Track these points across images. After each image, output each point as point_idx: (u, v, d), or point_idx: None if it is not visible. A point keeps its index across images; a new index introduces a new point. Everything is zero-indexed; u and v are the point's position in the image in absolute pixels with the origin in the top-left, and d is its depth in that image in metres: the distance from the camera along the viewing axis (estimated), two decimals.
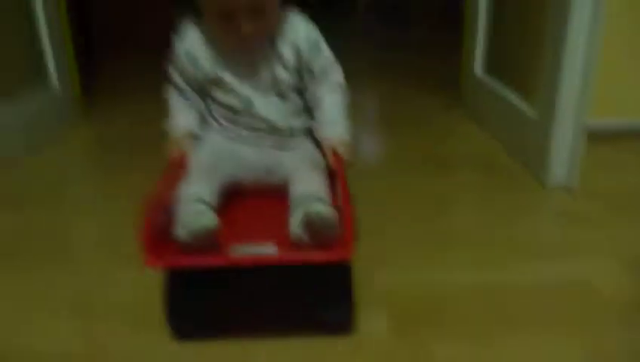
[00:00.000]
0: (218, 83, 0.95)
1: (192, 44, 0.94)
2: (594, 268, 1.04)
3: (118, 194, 1.39)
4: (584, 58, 1.26)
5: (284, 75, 0.94)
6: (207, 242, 0.77)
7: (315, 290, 0.81)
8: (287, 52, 0.93)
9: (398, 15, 3.65)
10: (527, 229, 1.20)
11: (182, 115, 0.99)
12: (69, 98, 1.93)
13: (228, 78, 0.94)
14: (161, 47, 2.81)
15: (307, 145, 0.99)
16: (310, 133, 1.01)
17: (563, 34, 1.26)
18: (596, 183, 1.38)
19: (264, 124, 0.96)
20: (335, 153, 0.92)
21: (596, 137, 1.40)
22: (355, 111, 1.57)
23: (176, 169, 0.90)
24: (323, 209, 0.77)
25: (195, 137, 0.98)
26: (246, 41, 0.87)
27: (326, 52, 0.98)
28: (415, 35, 3.50)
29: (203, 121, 1.00)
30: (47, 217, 1.28)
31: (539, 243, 1.15)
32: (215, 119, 0.99)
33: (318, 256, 0.76)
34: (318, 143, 0.98)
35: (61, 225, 1.25)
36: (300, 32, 0.94)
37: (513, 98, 1.58)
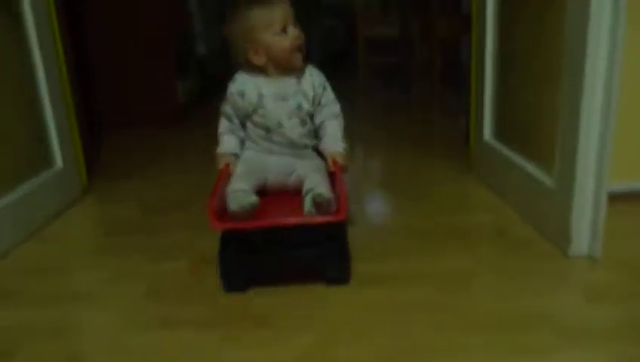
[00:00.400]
0: (258, 110, 1.35)
1: (242, 84, 1.36)
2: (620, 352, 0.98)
3: (119, 278, 1.35)
4: (601, 121, 1.23)
5: (305, 105, 1.36)
6: (250, 214, 1.19)
7: (321, 246, 1.23)
8: (307, 88, 1.37)
9: (399, 75, 3.69)
10: (551, 304, 1.14)
11: (228, 139, 1.41)
12: (74, 177, 1.91)
13: (267, 106, 1.34)
14: (161, 123, 2.90)
15: (314, 156, 1.40)
16: (316, 148, 1.41)
17: (578, 98, 1.23)
18: (621, 251, 1.33)
19: (287, 140, 1.37)
20: (334, 160, 1.33)
21: (618, 200, 1.36)
22: (362, 178, 1.94)
23: (224, 176, 1.32)
24: (325, 192, 1.19)
25: (235, 155, 1.39)
26: (299, 44, 1.31)
27: (330, 91, 1.42)
28: (417, 96, 3.53)
29: (242, 143, 1.42)
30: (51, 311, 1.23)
31: (563, 320, 1.09)
32: (251, 137, 1.40)
33: (322, 219, 1.18)
34: (321, 155, 1.39)
35: (65, 318, 1.20)
36: (314, 76, 1.39)
37: (526, 165, 1.54)
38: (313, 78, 1.38)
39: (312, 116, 1.39)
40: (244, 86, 1.35)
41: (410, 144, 2.43)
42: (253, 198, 1.20)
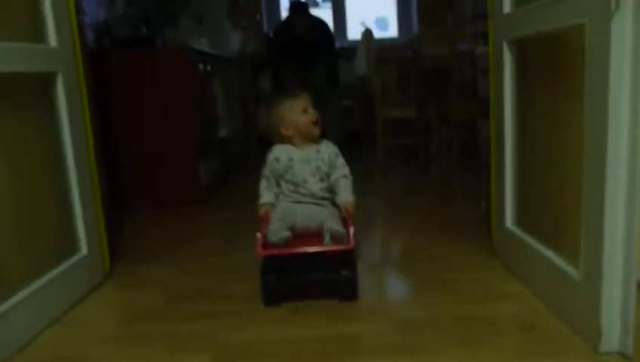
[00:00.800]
0: (289, 170, 1.80)
1: (277, 152, 1.84)
2: None
3: None
4: (626, 209, 1.22)
5: (323, 167, 1.82)
6: (284, 245, 1.63)
7: (338, 262, 1.66)
8: (324, 155, 1.83)
9: (417, 157, 3.74)
10: None
11: (267, 194, 1.84)
12: (97, 263, 1.93)
13: (295, 167, 1.80)
14: (184, 203, 2.95)
15: (331, 206, 1.82)
16: (332, 200, 1.82)
17: (601, 187, 1.24)
18: None
19: (310, 193, 1.80)
20: (346, 208, 1.74)
21: None
22: (382, 263, 2.11)
23: (264, 220, 1.74)
24: (339, 229, 1.64)
25: (272, 205, 1.81)
26: (316, 119, 1.82)
27: (341, 158, 1.87)
28: (435, 177, 3.56)
29: (276, 196, 1.84)
30: None
31: None
32: (284, 192, 1.83)
33: (337, 248, 1.63)
34: (336, 205, 1.80)
35: None
36: (329, 146, 1.85)
37: (551, 254, 1.53)
38: (328, 148, 1.85)
39: (328, 176, 1.83)
40: (279, 154, 1.83)
41: (430, 227, 2.44)
42: (287, 233, 1.65)
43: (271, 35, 5.06)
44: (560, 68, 1.47)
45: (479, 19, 3.49)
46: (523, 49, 1.69)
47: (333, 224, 1.66)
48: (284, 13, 5.63)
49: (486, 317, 1.54)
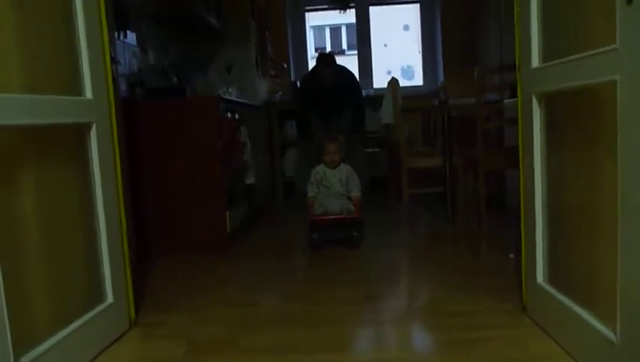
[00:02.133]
0: (325, 179, 3.21)
1: (318, 168, 3.25)
2: None
3: None
4: None
5: (343, 178, 3.20)
6: (323, 215, 3.15)
7: (351, 226, 3.16)
8: (344, 171, 3.22)
9: (444, 206, 3.71)
10: None
11: (311, 191, 3.21)
12: (123, 312, 1.93)
13: (327, 178, 3.20)
14: (209, 251, 2.96)
15: (347, 199, 3.18)
16: (348, 196, 3.19)
17: (638, 242, 1.20)
18: None
19: (336, 192, 3.18)
20: (356, 198, 3.16)
21: None
22: (409, 318, 2.03)
23: (311, 206, 3.17)
24: (352, 208, 3.16)
25: (314, 198, 3.19)
26: (332, 159, 3.21)
27: (356, 176, 3.22)
28: (461, 228, 3.51)
29: (317, 192, 3.22)
30: None
31: None
32: (320, 190, 3.20)
33: (350, 216, 3.15)
34: (350, 198, 3.18)
35: None
36: (348, 167, 3.24)
37: (585, 315, 1.48)
38: (347, 168, 3.22)
39: (347, 183, 3.18)
40: (318, 169, 3.23)
41: (457, 280, 2.38)
42: (323, 209, 3.12)
43: (298, 84, 5.16)
44: (591, 121, 1.45)
45: (506, 71, 3.50)
46: (552, 101, 1.68)
47: (349, 206, 3.13)
48: (311, 61, 5.75)
49: None
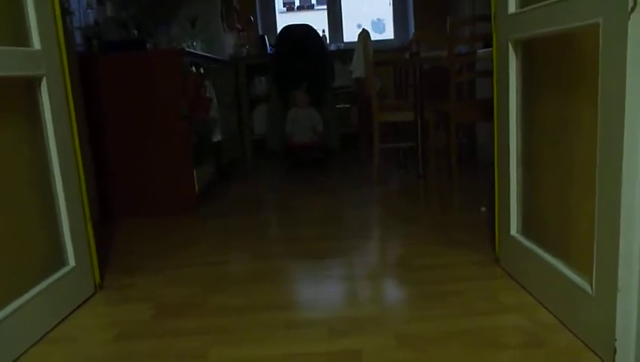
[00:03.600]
0: (297, 119, 4.43)
1: (292, 111, 4.42)
2: None
3: None
4: None
5: (312, 116, 4.40)
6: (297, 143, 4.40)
7: (317, 150, 4.52)
8: (313, 113, 4.40)
9: (415, 161, 3.68)
10: None
11: (289, 127, 4.42)
12: (87, 276, 1.85)
13: (300, 117, 4.44)
14: (176, 211, 2.88)
15: (313, 132, 4.41)
16: (314, 129, 4.38)
17: (616, 200, 1.17)
18: None
19: (305, 127, 4.39)
20: (320, 132, 4.43)
21: None
22: (382, 273, 1.93)
23: (290, 139, 4.40)
24: (317, 137, 4.42)
25: (292, 132, 4.42)
26: (305, 102, 4.39)
27: (319, 115, 4.41)
28: (432, 182, 3.49)
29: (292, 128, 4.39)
30: None
31: None
32: (295, 127, 4.42)
33: (317, 142, 4.45)
34: (315, 132, 4.43)
35: None
36: (313, 110, 4.42)
37: (560, 266, 1.46)
38: (313, 110, 4.28)
39: (313, 120, 4.22)
40: (293, 112, 4.32)
41: (430, 235, 2.36)
42: (297, 139, 4.34)
43: (266, 41, 5.05)
44: (570, 69, 1.40)
45: (478, 21, 3.43)
46: (529, 50, 1.62)
47: (314, 137, 4.09)
48: (279, 16, 5.58)
49: (491, 330, 1.47)
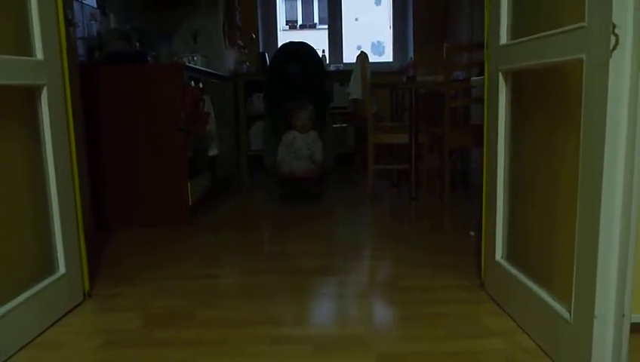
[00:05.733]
0: (294, 143, 3.79)
1: (288, 135, 3.80)
2: None
3: None
4: (620, 250, 1.19)
5: (310, 143, 3.78)
6: (290, 174, 3.81)
7: (313, 184, 3.86)
8: (311, 139, 3.79)
9: (408, 183, 3.72)
10: None
11: (282, 154, 3.80)
12: (76, 283, 1.87)
13: (296, 142, 3.78)
14: (170, 223, 2.89)
15: (310, 161, 3.80)
16: (312, 159, 3.80)
17: (594, 229, 1.21)
18: None
19: (301, 155, 3.77)
20: (317, 161, 3.80)
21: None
22: (368, 292, 1.97)
23: (279, 167, 3.86)
24: (314, 168, 3.80)
25: (284, 161, 3.83)
26: (304, 127, 3.81)
27: (320, 142, 3.80)
28: (424, 205, 3.53)
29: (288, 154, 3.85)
30: None
31: None
32: (289, 152, 3.78)
33: (313, 175, 3.81)
34: (313, 161, 3.83)
35: None
36: (315, 135, 3.82)
37: (541, 292, 1.49)
38: (315, 135, 3.67)
39: (312, 148, 3.63)
40: (289, 135, 3.71)
41: (419, 257, 2.39)
42: (290, 170, 3.66)
43: (267, 58, 5.07)
44: (555, 101, 1.45)
45: (475, 48, 3.49)
46: (518, 80, 1.67)
47: (311, 167, 3.64)
48: (281, 33, 5.65)
49: (473, 354, 1.49)
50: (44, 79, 1.68)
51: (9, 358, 1.50)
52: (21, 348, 1.56)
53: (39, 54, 1.66)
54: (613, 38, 1.12)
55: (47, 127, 1.70)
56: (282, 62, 4.15)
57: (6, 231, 1.54)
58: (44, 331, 1.67)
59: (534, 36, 1.46)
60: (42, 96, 1.68)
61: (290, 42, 4.37)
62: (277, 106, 4.21)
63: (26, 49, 1.64)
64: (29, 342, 1.60)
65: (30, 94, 1.67)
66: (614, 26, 1.12)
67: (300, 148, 3.71)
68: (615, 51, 1.12)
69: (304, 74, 4.15)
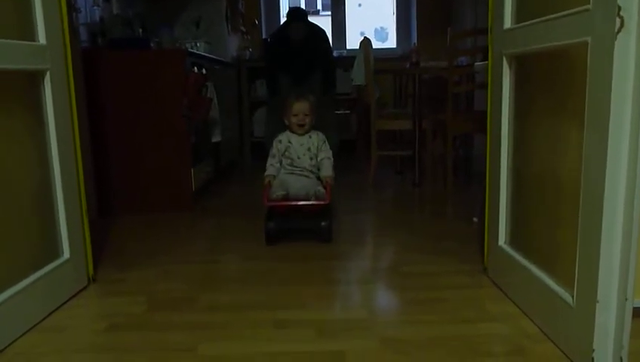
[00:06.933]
0: (288, 149, 2.52)
1: (281, 136, 2.55)
2: None
3: None
4: (623, 234, 1.19)
5: (313, 149, 2.53)
6: (280, 200, 2.35)
7: (319, 215, 2.37)
8: (314, 141, 2.54)
9: (411, 169, 3.71)
10: None
11: (271, 168, 2.51)
12: (81, 268, 1.88)
13: (292, 148, 2.51)
14: (174, 209, 2.90)
15: (315, 178, 2.51)
16: (317, 174, 2.52)
17: (598, 215, 1.21)
18: None
19: (302, 167, 2.51)
20: (327, 180, 2.44)
21: None
22: (372, 277, 2.06)
23: (267, 186, 2.43)
24: (322, 191, 2.38)
25: (274, 176, 2.48)
26: (302, 125, 2.53)
27: (326, 144, 2.55)
28: (427, 191, 3.53)
29: (278, 170, 2.52)
30: None
31: None
32: (284, 165, 2.52)
33: (319, 202, 2.34)
34: (319, 178, 2.50)
35: None
36: (319, 135, 2.56)
37: (544, 277, 1.49)
38: (318, 136, 2.57)
39: (316, 156, 2.54)
40: (282, 137, 2.56)
41: (422, 243, 2.39)
42: (283, 192, 2.36)
43: (268, 40, 5.01)
44: (559, 85, 1.44)
45: (479, 34, 3.47)
46: (522, 64, 1.66)
47: (318, 189, 2.39)
48: (284, 19, 5.61)
49: (475, 338, 1.50)
50: (47, 64, 1.67)
51: (14, 341, 1.51)
52: (26, 332, 1.57)
53: (42, 39, 1.66)
54: (618, 21, 1.11)
55: (51, 112, 1.70)
56: (288, 23, 4.05)
57: (10, 216, 1.55)
58: (48, 315, 1.68)
59: (538, 20, 1.45)
60: (45, 81, 1.68)
61: (297, 7, 4.27)
62: (280, 70, 3.96)
63: (29, 33, 1.63)
64: (34, 326, 1.61)
65: (33, 79, 1.67)
66: (619, 9, 1.11)
67: (299, 157, 2.51)
68: (620, 34, 1.11)
69: (309, 35, 3.99)
